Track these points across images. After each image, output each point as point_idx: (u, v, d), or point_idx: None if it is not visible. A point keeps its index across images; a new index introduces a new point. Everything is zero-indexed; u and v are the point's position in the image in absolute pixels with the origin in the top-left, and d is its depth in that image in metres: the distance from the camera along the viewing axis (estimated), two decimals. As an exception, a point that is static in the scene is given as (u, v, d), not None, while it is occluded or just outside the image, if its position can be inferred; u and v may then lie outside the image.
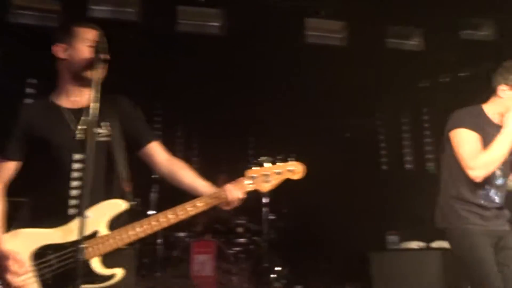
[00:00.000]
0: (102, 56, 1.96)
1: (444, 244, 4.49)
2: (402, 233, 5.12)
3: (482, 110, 2.84)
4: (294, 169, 2.19)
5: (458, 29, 4.87)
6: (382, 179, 6.10)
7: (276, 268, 4.65)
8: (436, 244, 4.57)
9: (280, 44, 4.78)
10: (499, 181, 2.81)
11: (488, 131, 2.74)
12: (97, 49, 1.98)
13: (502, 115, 2.79)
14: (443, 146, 2.87)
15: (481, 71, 5.04)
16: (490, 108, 2.83)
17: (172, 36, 4.63)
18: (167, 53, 4.95)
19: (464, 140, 2.73)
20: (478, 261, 2.67)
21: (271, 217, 4.99)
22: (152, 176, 4.36)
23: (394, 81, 5.27)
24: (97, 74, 1.94)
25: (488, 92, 2.83)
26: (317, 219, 5.32)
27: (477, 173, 2.68)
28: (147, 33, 4.64)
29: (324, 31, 4.71)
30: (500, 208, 2.81)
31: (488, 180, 2.75)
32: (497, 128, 2.76)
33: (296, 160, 2.19)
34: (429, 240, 4.65)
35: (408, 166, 6.15)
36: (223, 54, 4.92)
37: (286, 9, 4.57)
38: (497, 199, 2.80)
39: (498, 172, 2.79)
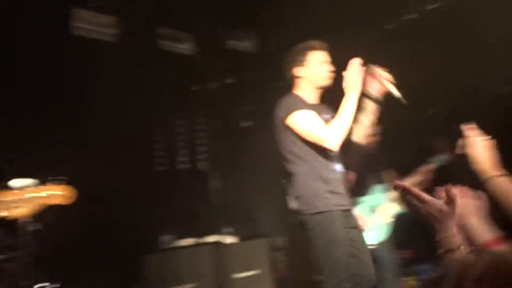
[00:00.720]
0: None
1: (216, 238, 4.81)
2: (176, 232, 5.22)
3: (297, 95, 2.98)
4: (56, 194, 1.92)
5: (225, 39, 5.27)
6: (156, 180, 6.12)
7: (43, 285, 4.16)
8: (208, 238, 4.82)
9: (45, 33, 4.29)
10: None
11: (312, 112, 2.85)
12: None
13: (314, 90, 2.96)
14: (277, 139, 2.88)
15: (244, 78, 5.58)
16: (301, 91, 2.99)
17: None
18: None
19: (305, 119, 2.79)
20: (335, 244, 2.65)
21: (33, 227, 4.42)
22: None
23: (169, 83, 5.35)
24: None
25: (289, 82, 3.04)
26: (90, 226, 4.97)
27: (333, 142, 2.71)
28: None
29: (94, 24, 4.43)
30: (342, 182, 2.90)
31: (328, 151, 2.81)
32: (317, 107, 2.92)
33: (63, 179, 1.92)
34: (201, 235, 4.86)
35: (181, 166, 6.34)
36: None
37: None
38: (340, 169, 2.90)
39: None
